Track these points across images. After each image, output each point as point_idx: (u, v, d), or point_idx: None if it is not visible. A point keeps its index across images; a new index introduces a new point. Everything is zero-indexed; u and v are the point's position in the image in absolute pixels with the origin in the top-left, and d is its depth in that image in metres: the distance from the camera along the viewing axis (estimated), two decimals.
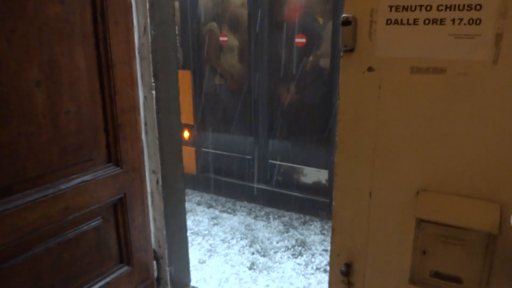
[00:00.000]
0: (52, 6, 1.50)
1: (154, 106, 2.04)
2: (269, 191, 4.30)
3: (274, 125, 4.24)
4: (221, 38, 4.29)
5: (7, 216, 1.44)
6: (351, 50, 1.42)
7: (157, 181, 2.14)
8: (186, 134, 4.72)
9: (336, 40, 3.61)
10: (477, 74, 1.28)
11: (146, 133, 2.07)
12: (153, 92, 2.02)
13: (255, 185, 4.40)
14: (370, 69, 1.41)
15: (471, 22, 1.23)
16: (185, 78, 4.47)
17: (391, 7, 1.33)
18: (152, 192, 2.15)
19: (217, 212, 4.16)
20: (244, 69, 4.27)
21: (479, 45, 1.24)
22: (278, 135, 4.24)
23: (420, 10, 1.29)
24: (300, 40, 3.85)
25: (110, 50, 1.73)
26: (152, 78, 2.01)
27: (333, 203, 1.60)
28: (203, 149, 4.72)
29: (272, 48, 3.97)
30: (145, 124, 2.07)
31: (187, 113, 4.57)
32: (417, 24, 1.31)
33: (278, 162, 4.26)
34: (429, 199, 1.34)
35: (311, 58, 3.91)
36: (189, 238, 3.30)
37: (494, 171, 1.32)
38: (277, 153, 4.26)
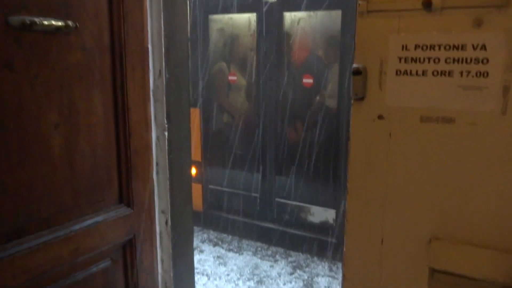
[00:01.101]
0: (74, 52, 1.56)
1: (166, 147, 2.08)
2: (276, 230, 4.26)
3: (281, 163, 4.26)
4: (230, 78, 4.40)
5: (19, 258, 1.45)
6: (362, 99, 1.46)
7: (166, 222, 2.14)
8: (193, 170, 4.75)
9: (342, 81, 3.69)
10: (486, 124, 1.31)
11: (157, 173, 2.10)
12: (166, 133, 2.07)
13: (262, 224, 4.37)
14: (380, 117, 1.45)
15: (478, 74, 1.27)
16: (194, 116, 4.55)
17: (400, 58, 1.38)
18: (160, 233, 2.15)
19: (222, 251, 4.11)
20: (252, 108, 4.35)
21: (487, 97, 1.28)
22: (285, 173, 4.25)
23: (429, 62, 1.34)
24: (307, 80, 3.94)
25: (126, 94, 1.78)
26: (165, 119, 2.06)
27: (344, 249, 1.59)
28: (210, 186, 4.73)
29: (279, 88, 4.05)
30: (157, 164, 2.10)
31: (195, 150, 4.62)
32: (426, 76, 1.35)
33: (285, 201, 4.25)
34: (442, 248, 1.34)
35: (318, 98, 3.99)
36: (195, 278, 3.25)
37: (507, 220, 1.32)
38: (284, 191, 4.25)
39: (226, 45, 4.37)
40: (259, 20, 4.01)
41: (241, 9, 4.10)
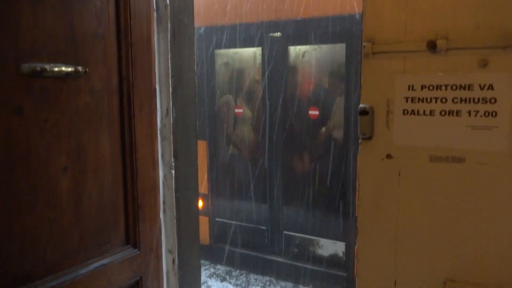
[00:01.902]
0: (83, 96, 1.59)
1: (173, 185, 2.07)
2: (284, 264, 4.18)
3: (288, 194, 4.23)
4: (236, 110, 4.44)
5: None
6: (369, 138, 1.46)
7: (173, 261, 2.11)
8: (200, 203, 4.72)
9: (348, 113, 3.70)
10: (497, 164, 1.29)
11: (164, 211, 2.08)
12: (173, 171, 2.06)
13: (270, 257, 4.29)
14: (388, 156, 1.43)
15: (487, 114, 1.27)
16: (200, 148, 4.56)
17: (407, 98, 1.38)
18: (167, 272, 2.11)
19: (230, 287, 4.02)
20: (258, 140, 4.36)
21: (497, 136, 1.27)
22: (293, 205, 4.21)
23: (436, 102, 1.34)
24: (313, 112, 3.96)
25: (134, 134, 1.80)
26: (172, 157, 2.06)
27: None
28: (217, 219, 4.68)
29: (285, 120, 4.07)
30: (164, 203, 2.08)
31: (201, 182, 4.61)
32: (434, 115, 1.34)
33: (293, 233, 4.19)
34: None
35: (324, 129, 3.99)
36: None
37: None
38: (292, 223, 4.20)
39: (232, 78, 4.44)
40: (264, 54, 4.07)
41: (247, 44, 4.18)
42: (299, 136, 4.07)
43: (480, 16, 1.23)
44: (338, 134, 3.91)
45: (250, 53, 4.28)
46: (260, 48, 4.11)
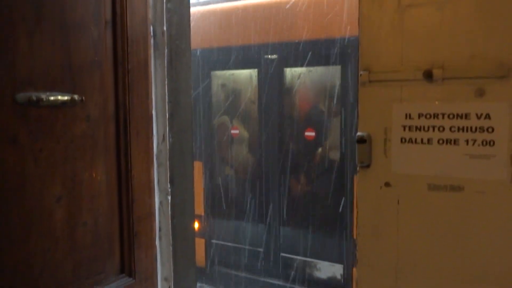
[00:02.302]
0: (79, 124, 1.58)
1: (169, 212, 2.05)
2: (282, 287, 4.12)
3: (285, 216, 4.20)
4: (233, 131, 4.44)
5: None
6: (368, 166, 1.45)
7: None
8: (196, 224, 4.67)
9: (344, 134, 3.71)
10: (496, 193, 1.29)
11: (160, 238, 2.05)
12: (169, 197, 2.04)
13: (267, 280, 4.23)
14: (387, 184, 1.43)
15: (484, 143, 1.27)
16: (196, 169, 4.54)
17: (404, 126, 1.38)
18: None
19: None
20: (254, 161, 4.35)
21: (495, 166, 1.26)
22: (290, 227, 4.18)
23: (433, 130, 1.34)
24: (309, 133, 3.97)
25: (130, 161, 1.78)
26: (169, 183, 2.04)
27: None
28: (213, 241, 4.63)
29: (282, 141, 4.08)
30: (160, 230, 2.05)
31: (197, 204, 4.56)
32: (431, 144, 1.34)
33: (290, 255, 4.14)
34: None
35: (320, 150, 4.00)
36: None
37: None
38: (289, 245, 4.15)
39: (228, 99, 4.45)
40: (260, 75, 4.10)
41: (243, 66, 4.21)
42: (295, 157, 4.07)
43: (475, 46, 1.24)
44: (335, 155, 3.91)
45: (246, 75, 4.30)
46: (256, 70, 4.14)
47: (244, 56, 4.13)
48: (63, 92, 1.49)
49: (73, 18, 1.51)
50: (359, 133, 1.43)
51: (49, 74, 1.44)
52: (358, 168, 1.47)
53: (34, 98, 1.39)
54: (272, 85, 4.05)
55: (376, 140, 1.42)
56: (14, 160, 1.39)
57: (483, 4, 1.24)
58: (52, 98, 1.43)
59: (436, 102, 1.31)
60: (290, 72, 4.04)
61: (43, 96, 1.41)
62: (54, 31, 1.46)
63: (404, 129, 1.37)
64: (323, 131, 3.91)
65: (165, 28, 1.96)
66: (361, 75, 1.40)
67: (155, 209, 1.97)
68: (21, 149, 1.40)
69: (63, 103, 1.48)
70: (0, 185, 1.36)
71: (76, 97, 1.51)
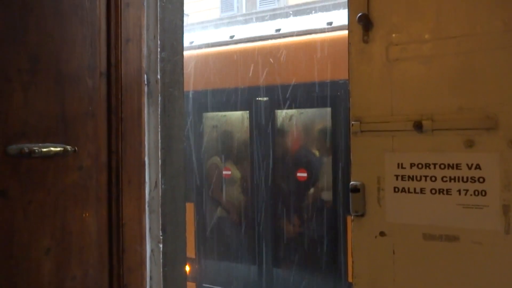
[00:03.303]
0: (71, 174, 1.56)
1: (161, 260, 2.00)
2: None
3: (278, 257, 4.13)
4: (225, 172, 4.43)
5: None
6: (362, 215, 1.44)
7: None
8: (186, 268, 4.54)
9: (336, 175, 3.72)
10: (492, 243, 1.28)
11: None
12: (161, 245, 2.00)
13: None
14: (382, 234, 1.42)
15: (476, 193, 1.28)
16: (188, 211, 4.48)
17: (397, 176, 1.39)
18: None
19: None
20: (246, 202, 4.32)
21: (489, 215, 1.27)
22: (283, 268, 4.09)
23: (426, 180, 1.35)
24: (301, 174, 3.97)
25: (122, 209, 1.75)
26: (160, 231, 2.00)
27: None
28: (204, 285, 4.50)
29: (274, 182, 4.07)
30: (150, 279, 1.99)
31: (188, 246, 4.46)
32: (425, 193, 1.35)
33: None
34: None
35: (312, 191, 3.99)
36: None
37: None
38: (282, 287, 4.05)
39: (220, 140, 4.47)
40: (252, 117, 4.15)
41: (234, 107, 4.26)
42: (288, 198, 4.05)
43: (462, 99, 1.28)
44: (327, 196, 3.90)
45: (238, 116, 4.35)
46: (247, 112, 4.19)
47: (235, 98, 4.19)
48: (55, 143, 1.48)
49: (68, 70, 1.53)
50: (352, 182, 1.43)
51: (42, 125, 1.44)
52: (352, 217, 1.46)
53: (26, 150, 1.38)
54: (264, 127, 4.09)
55: (370, 189, 1.42)
56: (3, 213, 1.36)
57: (468, 58, 1.29)
58: (44, 149, 1.43)
59: (427, 152, 1.33)
60: (281, 114, 4.09)
61: (35, 148, 1.40)
62: (49, 82, 1.48)
63: (397, 179, 1.38)
64: (315, 172, 3.92)
65: (158, 76, 1.99)
66: (352, 125, 1.43)
67: (146, 258, 1.92)
68: (10, 202, 1.37)
69: (56, 154, 1.48)
70: None
71: (69, 148, 1.51)
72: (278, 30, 4.14)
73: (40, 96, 1.44)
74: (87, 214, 1.62)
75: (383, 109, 1.38)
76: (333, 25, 3.78)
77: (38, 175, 1.45)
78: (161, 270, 2.01)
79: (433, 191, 1.33)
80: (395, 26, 1.36)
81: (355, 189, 1.42)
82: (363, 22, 1.38)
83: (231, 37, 4.43)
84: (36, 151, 1.40)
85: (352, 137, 1.44)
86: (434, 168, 1.32)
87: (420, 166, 1.34)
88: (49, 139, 1.46)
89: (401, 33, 1.35)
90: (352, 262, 1.49)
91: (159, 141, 2.00)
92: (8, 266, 1.36)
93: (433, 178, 1.33)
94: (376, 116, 1.40)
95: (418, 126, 1.32)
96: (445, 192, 1.31)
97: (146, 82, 1.96)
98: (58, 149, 1.48)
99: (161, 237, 2.01)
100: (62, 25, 1.53)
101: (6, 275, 1.35)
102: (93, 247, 1.65)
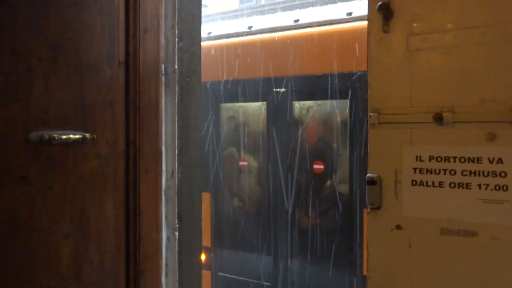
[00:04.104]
0: (90, 161, 1.59)
1: (177, 248, 2.02)
2: None
3: (293, 249, 4.13)
4: (241, 163, 4.44)
5: None
6: (378, 208, 1.43)
7: None
8: (202, 256, 4.60)
9: (353, 167, 3.69)
10: (511, 239, 1.25)
11: (166, 275, 2.02)
12: (176, 233, 2.02)
13: None
14: (398, 227, 1.40)
15: (497, 188, 1.24)
16: (204, 200, 4.52)
17: (415, 169, 1.37)
18: None
19: None
20: (262, 193, 4.32)
21: (509, 211, 1.24)
22: (298, 260, 4.09)
23: (445, 174, 1.32)
24: (318, 166, 3.95)
25: (139, 197, 1.78)
26: (176, 219, 2.03)
27: None
28: (220, 273, 4.54)
29: (290, 173, 4.06)
30: (166, 266, 2.02)
31: (204, 235, 4.51)
32: (443, 187, 1.32)
33: None
34: None
35: (329, 183, 3.97)
36: None
37: None
38: (297, 279, 4.06)
39: (237, 131, 4.47)
40: (269, 108, 4.13)
41: (252, 98, 4.25)
42: (304, 190, 4.03)
43: (485, 91, 1.24)
44: (344, 188, 3.87)
45: (255, 107, 4.34)
46: (265, 103, 4.18)
47: (253, 89, 4.18)
48: (75, 131, 1.51)
49: (87, 59, 1.55)
50: (369, 175, 1.41)
51: (62, 113, 1.47)
52: (368, 210, 1.45)
53: (47, 137, 1.41)
54: (281, 118, 4.08)
55: (387, 182, 1.40)
56: (24, 198, 1.39)
57: (492, 48, 1.25)
58: (64, 136, 1.46)
59: (447, 146, 1.30)
60: (299, 105, 4.07)
61: (55, 135, 1.43)
62: (69, 71, 1.50)
63: (415, 172, 1.36)
64: (332, 164, 3.89)
65: (176, 66, 2.00)
66: (370, 116, 1.40)
67: (162, 246, 1.95)
68: (31, 187, 1.41)
69: (75, 141, 1.50)
70: (9, 222, 1.36)
71: (87, 135, 1.53)
72: (297, 20, 4.09)
73: (60, 84, 1.47)
74: (105, 201, 1.65)
75: (402, 101, 1.35)
76: (353, 15, 3.72)
77: (58, 162, 1.48)
78: (177, 257, 2.03)
79: (452, 185, 1.30)
80: (416, 15, 1.33)
81: (372, 182, 1.40)
82: (383, 11, 1.35)
83: (249, 27, 4.41)
84: (56, 138, 1.42)
85: (370, 129, 1.42)
86: (454, 161, 1.29)
87: (439, 159, 1.31)
88: (69, 127, 1.49)
89: (422, 23, 1.31)
90: (367, 255, 1.48)
91: (176, 130, 2.01)
92: (28, 249, 1.40)
93: (453, 172, 1.30)
94: (395, 107, 1.37)
95: (438, 119, 1.29)
96: (464, 186, 1.28)
97: (163, 72, 1.97)
98: (77, 136, 1.50)
99: (177, 226, 2.03)
100: (82, 14, 1.54)
101: (26, 258, 1.39)
102: (111, 233, 1.68)
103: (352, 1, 4.05)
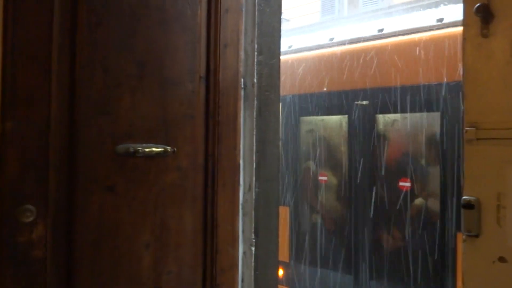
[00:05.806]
0: (170, 173, 1.64)
1: (253, 263, 2.00)
2: None
3: (374, 270, 3.89)
4: (320, 178, 4.33)
5: None
6: (476, 236, 1.26)
7: None
8: (280, 272, 4.54)
9: (444, 185, 3.39)
10: None
11: None
12: (253, 248, 2.00)
13: None
14: (502, 259, 1.22)
15: None
16: (282, 215, 4.48)
17: None
18: None
19: None
20: (343, 209, 4.16)
21: None
22: (380, 282, 3.84)
23: None
24: (404, 184, 3.69)
25: (216, 210, 1.79)
26: (253, 234, 2.00)
27: None
28: None
29: (373, 190, 3.85)
30: (242, 281, 2.00)
31: (282, 250, 4.46)
32: None
33: None
34: None
35: (416, 202, 3.68)
36: None
37: None
38: None
39: (317, 145, 4.38)
40: (350, 122, 3.99)
41: (332, 112, 4.15)
42: (388, 208, 3.80)
43: None
44: (433, 208, 3.56)
45: (336, 121, 4.23)
46: (346, 116, 4.04)
47: (334, 102, 4.08)
48: (157, 144, 1.57)
49: (171, 75, 1.61)
50: (465, 197, 1.25)
51: (146, 127, 1.54)
52: (464, 237, 1.28)
53: (132, 149, 1.48)
54: (363, 132, 3.90)
55: (487, 206, 1.23)
56: (111, 207, 1.47)
57: None
58: (147, 149, 1.52)
59: None
60: (383, 119, 3.86)
61: (140, 148, 1.50)
62: (154, 87, 1.57)
63: None
64: (420, 182, 3.61)
65: (255, 80, 2.00)
66: (467, 131, 1.25)
67: (238, 261, 1.94)
68: (117, 197, 1.48)
69: (157, 154, 1.56)
70: (96, 230, 1.45)
71: (169, 148, 1.58)
72: (381, 30, 3.92)
73: (145, 99, 1.54)
74: (184, 213, 1.68)
75: (505, 114, 1.18)
76: (444, 21, 3.45)
77: (141, 174, 1.54)
78: (253, 273, 2.01)
79: None
80: None
81: (469, 205, 1.24)
82: (481, 14, 1.20)
83: (331, 39, 4.33)
84: (140, 150, 1.49)
85: (466, 145, 1.26)
86: None
87: None
88: (152, 140, 1.55)
89: None
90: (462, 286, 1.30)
91: (254, 144, 2.00)
92: (112, 256, 1.47)
93: None
94: (496, 122, 1.20)
95: None
96: None
97: (242, 86, 1.99)
98: (160, 149, 1.56)
99: (254, 240, 2.01)
100: (166, 32, 1.61)
101: (110, 264, 1.46)
102: (188, 246, 1.70)
103: (443, 7, 3.77)
